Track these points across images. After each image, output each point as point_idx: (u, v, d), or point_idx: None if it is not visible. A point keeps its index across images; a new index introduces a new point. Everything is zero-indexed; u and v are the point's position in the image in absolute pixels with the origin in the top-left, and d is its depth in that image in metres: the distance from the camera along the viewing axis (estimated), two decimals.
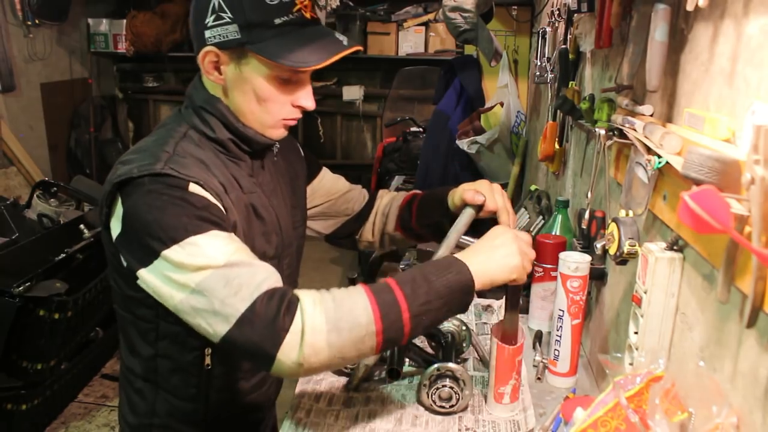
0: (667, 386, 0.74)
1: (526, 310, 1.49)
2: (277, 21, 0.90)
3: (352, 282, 3.00)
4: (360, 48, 0.96)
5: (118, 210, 0.90)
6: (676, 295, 0.88)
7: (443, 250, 1.05)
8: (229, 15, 0.90)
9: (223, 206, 0.92)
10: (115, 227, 0.90)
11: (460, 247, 1.02)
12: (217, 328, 0.83)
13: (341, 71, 4.91)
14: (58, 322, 2.33)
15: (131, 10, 4.58)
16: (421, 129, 3.78)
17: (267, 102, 0.96)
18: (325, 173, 1.29)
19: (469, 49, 3.60)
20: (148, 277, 0.87)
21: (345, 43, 0.94)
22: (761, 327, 0.64)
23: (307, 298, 0.85)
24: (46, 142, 4.19)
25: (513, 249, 0.95)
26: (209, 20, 0.91)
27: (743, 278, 0.65)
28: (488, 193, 1.10)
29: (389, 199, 1.31)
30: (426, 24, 4.54)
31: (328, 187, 1.28)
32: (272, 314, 0.82)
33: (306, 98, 0.99)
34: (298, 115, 1.01)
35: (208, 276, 0.83)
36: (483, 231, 1.03)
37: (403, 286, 0.87)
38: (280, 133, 1.02)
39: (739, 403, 0.69)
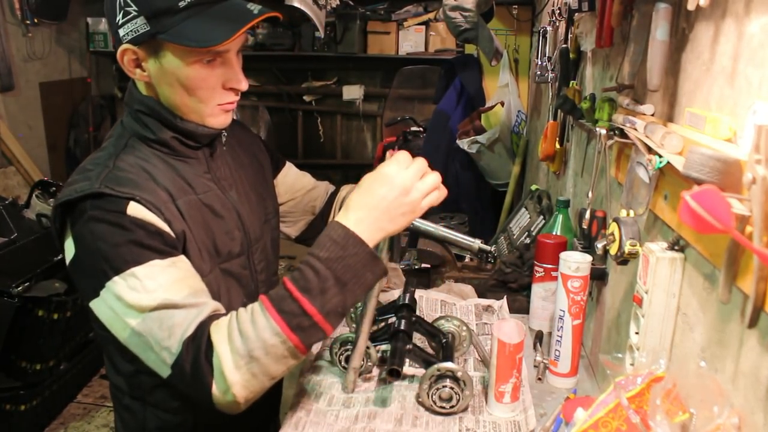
0: (669, 387, 0.74)
1: (526, 311, 1.48)
2: (182, 4, 0.88)
3: None
4: (277, 14, 0.92)
5: (68, 235, 0.91)
6: (677, 296, 0.88)
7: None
8: (135, 8, 0.88)
9: (165, 219, 0.91)
10: (68, 252, 0.92)
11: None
12: (159, 370, 0.88)
13: (341, 71, 4.90)
14: (57, 323, 2.32)
15: None
16: (421, 129, 3.78)
17: (196, 90, 0.93)
18: (290, 168, 1.27)
19: (470, 49, 3.60)
20: (98, 309, 0.89)
21: (256, 11, 0.92)
22: (763, 327, 0.64)
23: (219, 338, 0.85)
24: (45, 142, 4.18)
25: (400, 196, 0.88)
26: (119, 18, 0.90)
27: (745, 278, 0.65)
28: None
29: (346, 192, 1.29)
30: (426, 23, 4.54)
31: (292, 183, 1.25)
32: (194, 365, 0.85)
33: (235, 79, 0.95)
34: (234, 97, 0.98)
35: (145, 317, 0.86)
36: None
37: (304, 292, 0.85)
38: (221, 120, 0.99)
39: (740, 403, 0.69)
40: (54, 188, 3.08)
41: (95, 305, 0.89)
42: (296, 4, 3.24)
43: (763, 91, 0.66)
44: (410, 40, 4.55)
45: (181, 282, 0.88)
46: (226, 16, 0.90)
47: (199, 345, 0.85)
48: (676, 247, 0.88)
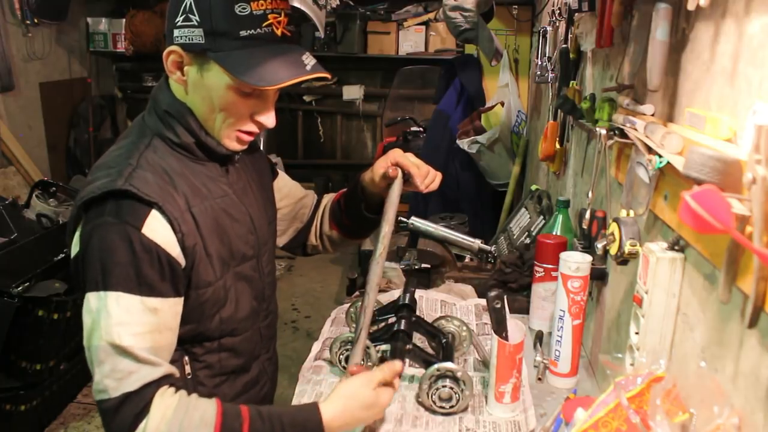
0: (669, 387, 0.74)
1: (526, 311, 1.48)
2: (243, 33, 0.89)
3: (353, 282, 2.99)
4: (327, 75, 0.94)
5: (78, 231, 0.92)
6: (677, 296, 0.88)
7: (386, 228, 1.09)
8: (197, 19, 0.89)
9: (180, 231, 0.92)
10: (75, 247, 0.92)
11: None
12: (96, 392, 0.88)
13: (341, 71, 4.90)
14: (57, 323, 2.32)
15: (130, 10, 4.57)
16: (421, 129, 3.78)
17: (224, 111, 0.96)
18: (283, 176, 1.30)
19: (470, 49, 3.60)
20: (85, 304, 0.90)
21: (309, 68, 0.93)
22: (763, 327, 0.64)
23: (157, 414, 0.86)
24: (45, 142, 4.18)
25: (375, 412, 0.99)
26: (179, 20, 0.91)
27: (745, 278, 0.65)
28: (402, 159, 1.15)
29: (327, 200, 1.33)
30: (426, 23, 4.54)
31: (287, 191, 1.28)
32: (122, 417, 0.86)
33: (266, 115, 0.98)
34: (256, 129, 1.00)
35: (105, 346, 0.86)
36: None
37: None
38: (234, 145, 1.00)
39: (740, 403, 0.69)
40: (54, 188, 3.08)
41: (85, 300, 0.90)
42: (296, 4, 3.24)
43: (763, 91, 0.66)
44: (410, 40, 4.55)
45: (150, 334, 0.89)
46: (279, 59, 0.91)
47: (137, 405, 0.87)
48: (676, 247, 0.88)
